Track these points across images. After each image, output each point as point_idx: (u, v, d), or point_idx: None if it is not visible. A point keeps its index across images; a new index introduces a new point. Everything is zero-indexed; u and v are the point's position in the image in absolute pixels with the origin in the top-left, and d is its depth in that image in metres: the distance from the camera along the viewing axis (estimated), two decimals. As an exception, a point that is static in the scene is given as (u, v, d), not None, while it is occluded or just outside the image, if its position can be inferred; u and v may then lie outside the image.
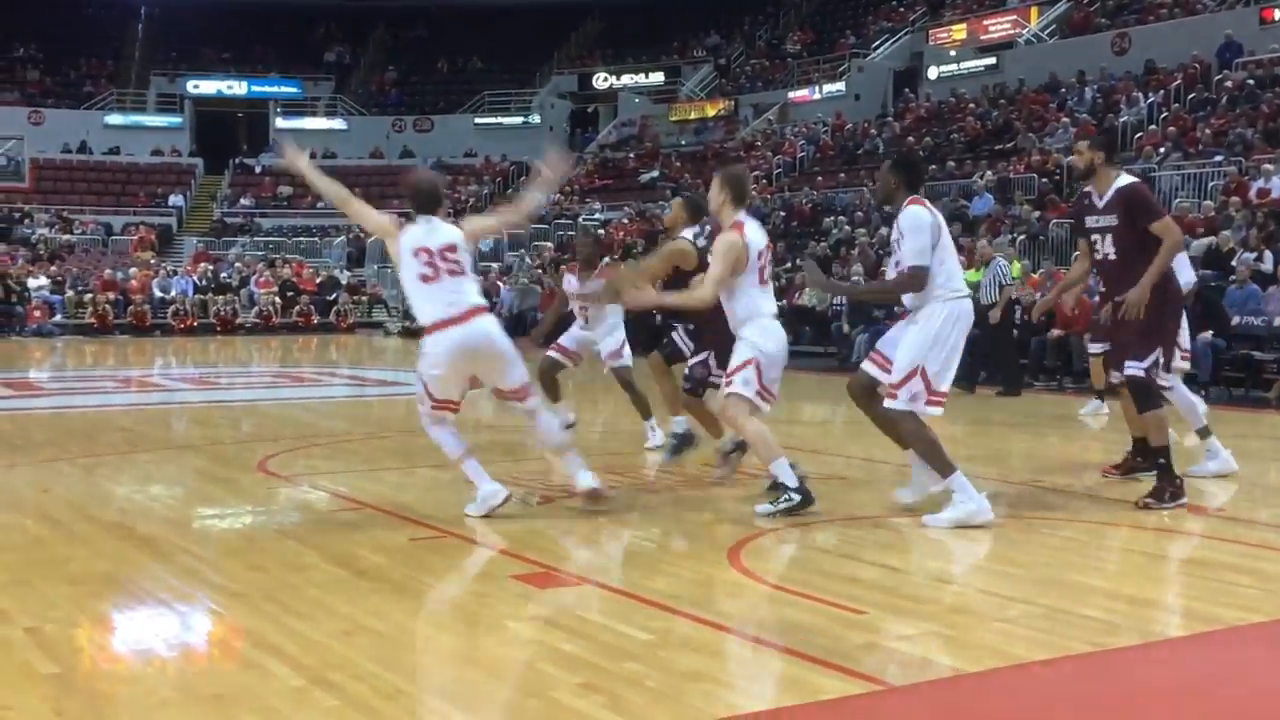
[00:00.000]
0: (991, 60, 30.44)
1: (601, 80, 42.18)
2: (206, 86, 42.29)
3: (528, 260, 29.36)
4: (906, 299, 6.25)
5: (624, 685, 3.75)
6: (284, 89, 43.06)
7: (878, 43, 35.46)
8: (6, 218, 33.71)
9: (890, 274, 6.48)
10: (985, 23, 32.06)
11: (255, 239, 35.20)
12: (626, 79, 41.86)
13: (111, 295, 26.87)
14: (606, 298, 7.27)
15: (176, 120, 41.50)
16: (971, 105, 28.35)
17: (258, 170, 40.45)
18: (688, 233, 7.77)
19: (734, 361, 6.46)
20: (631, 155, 36.93)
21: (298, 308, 28.02)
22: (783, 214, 26.54)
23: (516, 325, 24.40)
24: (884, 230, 21.99)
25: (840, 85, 34.23)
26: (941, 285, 6.14)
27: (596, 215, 32.04)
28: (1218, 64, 23.99)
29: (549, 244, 29.79)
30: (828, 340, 19.08)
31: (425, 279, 6.09)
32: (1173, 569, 5.54)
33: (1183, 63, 24.38)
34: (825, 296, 19.31)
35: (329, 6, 46.48)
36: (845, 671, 3.85)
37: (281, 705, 3.63)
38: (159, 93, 41.89)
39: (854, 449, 9.19)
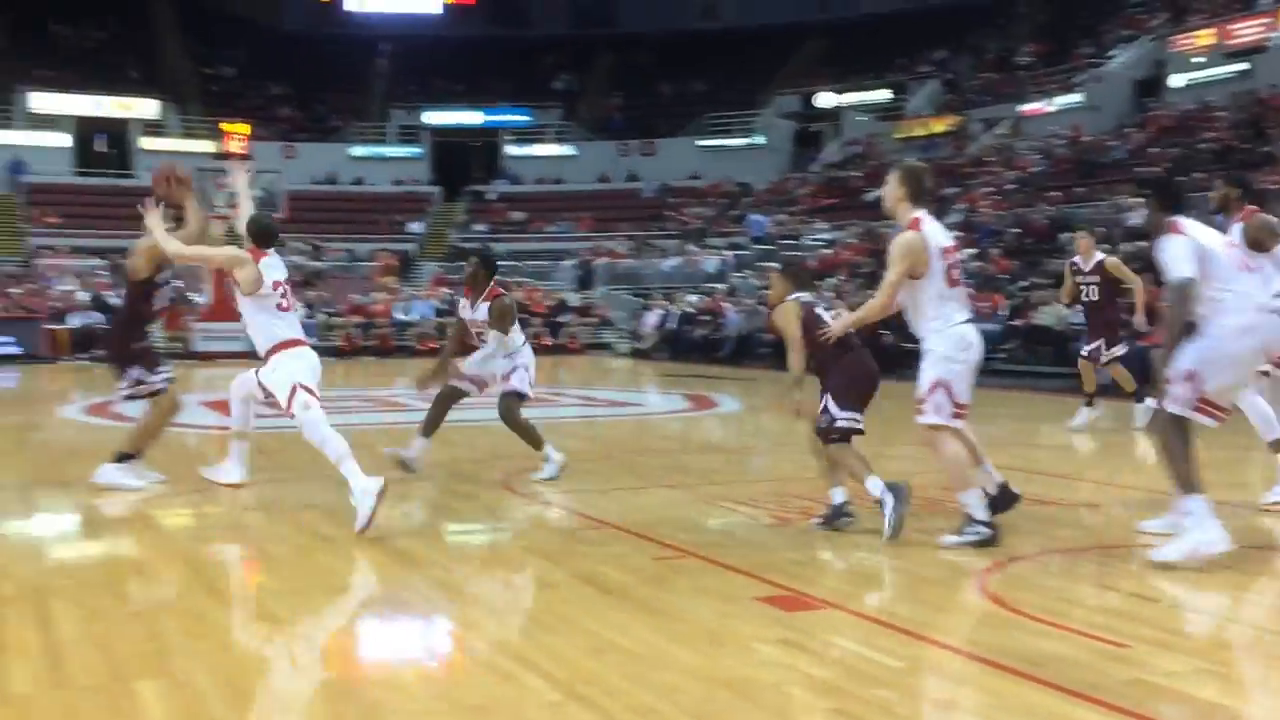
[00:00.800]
0: (1243, 65, 28.90)
1: (825, 99, 41.94)
2: (442, 117, 44.05)
3: (753, 282, 29.39)
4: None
5: (875, 712, 3.72)
6: (515, 117, 44.47)
7: (1116, 51, 34.13)
8: (266, 248, 35.76)
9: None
10: (1232, 26, 30.47)
11: (490, 263, 36.31)
12: (850, 97, 41.51)
13: (357, 319, 28.23)
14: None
15: (416, 151, 43.38)
16: (1221, 113, 26.96)
17: (491, 197, 41.85)
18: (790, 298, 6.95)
19: (921, 385, 6.10)
20: (857, 174, 36.58)
21: (530, 330, 28.76)
22: (1017, 230, 25.80)
23: (741, 346, 24.50)
24: (1125, 246, 21.10)
25: (1076, 96, 33.08)
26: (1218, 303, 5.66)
27: (822, 235, 31.84)
28: None
29: (775, 265, 29.72)
30: (1067, 361, 18.41)
31: (281, 308, 7.06)
32: None
33: None
34: (1064, 314, 18.68)
35: (556, 37, 47.81)
36: (1112, 708, 3.70)
37: (540, 718, 3.74)
38: (399, 125, 43.87)
39: (1097, 473, 8.86)
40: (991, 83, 38.21)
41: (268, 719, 3.94)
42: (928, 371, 6.07)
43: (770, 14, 45.21)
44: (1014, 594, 5.19)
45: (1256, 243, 6.82)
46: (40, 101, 38.82)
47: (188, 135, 39.94)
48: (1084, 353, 12.25)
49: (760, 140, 42.00)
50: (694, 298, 28.49)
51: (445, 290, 30.68)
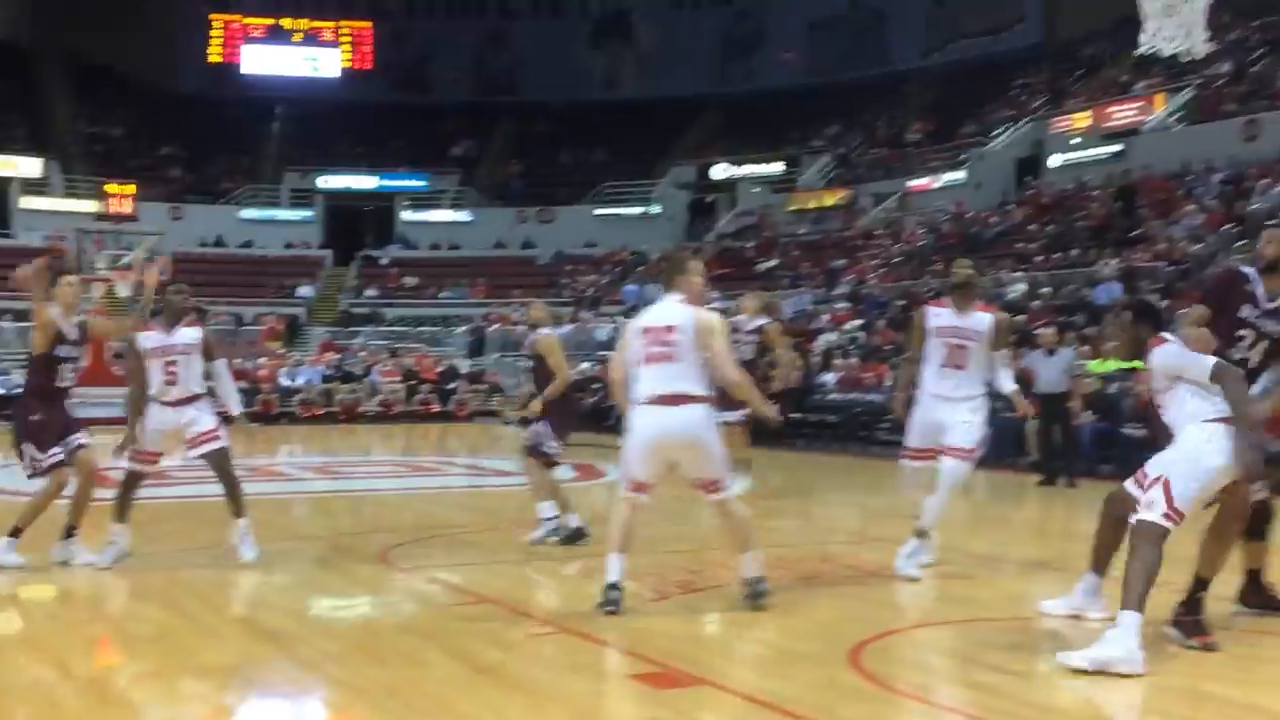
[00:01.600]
0: (1116, 147, 30.01)
1: (720, 171, 42.60)
2: (336, 181, 43.76)
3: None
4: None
5: (741, 794, 3.70)
6: (411, 182, 44.37)
7: (999, 131, 35.27)
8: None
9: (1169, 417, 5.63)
10: (1109, 110, 31.68)
11: (379, 329, 36.07)
12: (745, 169, 42.21)
13: (241, 384, 27.67)
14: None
15: (308, 214, 42.95)
16: (1096, 192, 27.95)
17: (383, 262, 41.59)
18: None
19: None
20: (750, 245, 37.11)
21: (419, 396, 28.54)
22: (903, 302, 26.31)
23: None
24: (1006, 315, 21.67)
25: (961, 174, 34.05)
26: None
27: (715, 304, 32.15)
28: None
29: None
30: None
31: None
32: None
33: (1318, 148, 23.80)
34: None
35: (457, 104, 47.93)
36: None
37: (399, 805, 3.65)
38: (292, 188, 43.45)
39: (976, 545, 8.99)
40: (880, 158, 39.21)
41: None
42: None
43: (669, 87, 45.93)
44: (885, 669, 5.23)
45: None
46: (-82, 159, 37.80)
47: (70, 195, 39.14)
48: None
49: (656, 209, 42.45)
50: (586, 365, 28.52)
51: (333, 355, 30.31)
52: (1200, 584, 5.82)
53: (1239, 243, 22.05)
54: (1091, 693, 4.97)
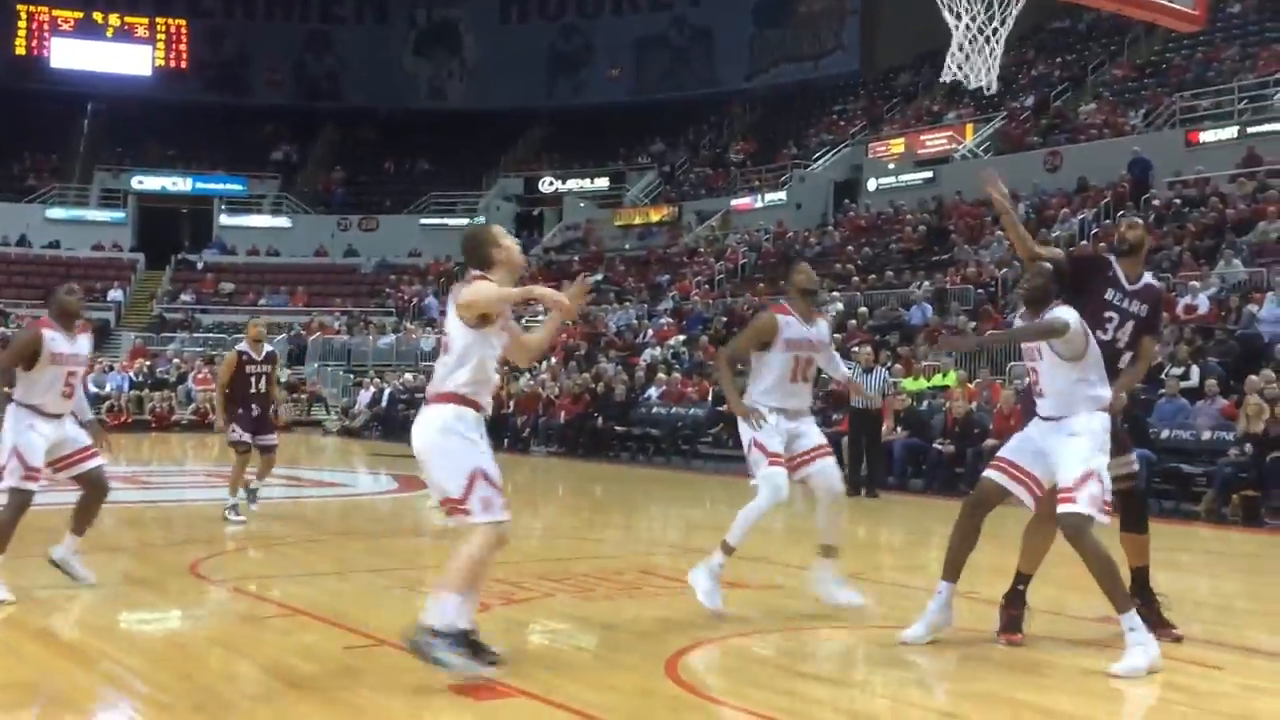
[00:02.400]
0: (929, 174, 31.20)
1: (547, 184, 42.70)
2: (151, 182, 42.26)
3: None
4: (1053, 408, 5.86)
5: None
6: (229, 186, 43.12)
7: (819, 154, 36.26)
8: (-60, 309, 33.27)
9: (1044, 383, 5.88)
10: (922, 137, 32.92)
11: (195, 335, 34.92)
12: (572, 183, 42.41)
13: (44, 390, 26.47)
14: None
15: (120, 215, 41.31)
16: (909, 216, 28.98)
17: (199, 267, 40.28)
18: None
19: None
20: (576, 258, 37.26)
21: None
22: (725, 319, 26.78)
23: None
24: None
25: (782, 194, 34.89)
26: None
27: (540, 317, 32.14)
28: (1131, 179, 24.70)
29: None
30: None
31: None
32: (1103, 684, 5.52)
33: (1112, 181, 25.13)
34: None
35: (277, 107, 46.81)
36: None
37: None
38: (103, 188, 41.76)
39: (792, 556, 9.17)
40: (704, 177, 39.85)
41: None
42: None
43: (496, 98, 45.81)
44: (702, 677, 5.30)
45: None
46: None
47: None
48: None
49: (482, 220, 42.23)
50: (409, 376, 28.16)
51: (144, 361, 29.21)
52: (1021, 579, 6.08)
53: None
54: (903, 697, 5.13)
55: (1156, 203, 23.58)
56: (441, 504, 5.18)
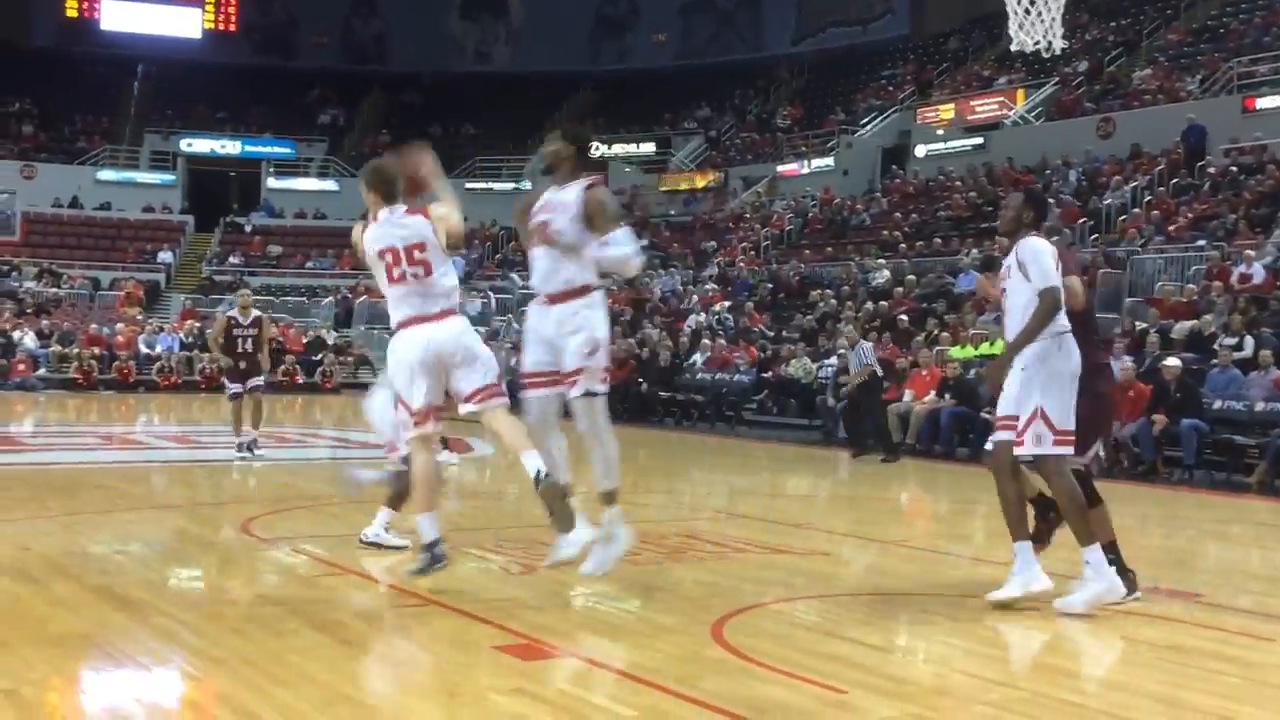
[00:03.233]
0: (978, 140, 30.83)
1: (593, 149, 42.61)
2: (200, 145, 42.59)
3: (515, 325, 29.42)
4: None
5: (605, 762, 3.73)
6: (277, 149, 43.38)
7: (867, 120, 35.94)
8: (-5, 270, 33.79)
9: (1008, 303, 6.12)
10: (972, 103, 32.52)
11: (243, 297, 35.23)
12: (618, 148, 42.30)
13: (97, 350, 26.83)
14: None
15: (169, 178, 41.70)
16: (958, 183, 28.67)
17: (248, 229, 40.60)
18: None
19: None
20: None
21: (284, 367, 27.97)
22: (770, 286, 26.71)
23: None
24: (869, 305, 22.16)
25: (829, 160, 34.62)
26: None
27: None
28: (1186, 146, 24.32)
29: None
30: (812, 414, 19.14)
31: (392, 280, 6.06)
32: (1153, 655, 5.51)
33: (1166, 148, 24.75)
34: (811, 368, 19.56)
35: (325, 70, 46.97)
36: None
37: (260, 775, 3.60)
38: (153, 150, 42.14)
39: (838, 523, 9.18)
40: (751, 142, 39.62)
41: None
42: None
43: (542, 62, 45.72)
44: (747, 641, 5.32)
45: None
46: None
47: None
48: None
49: (528, 185, 42.20)
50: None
51: (195, 323, 29.53)
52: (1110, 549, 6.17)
53: (1093, 235, 22.88)
54: (945, 665, 5.14)
55: (1212, 170, 23.22)
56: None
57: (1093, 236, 22.83)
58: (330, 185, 42.57)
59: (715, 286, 27.88)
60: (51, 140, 41.56)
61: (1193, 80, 27.64)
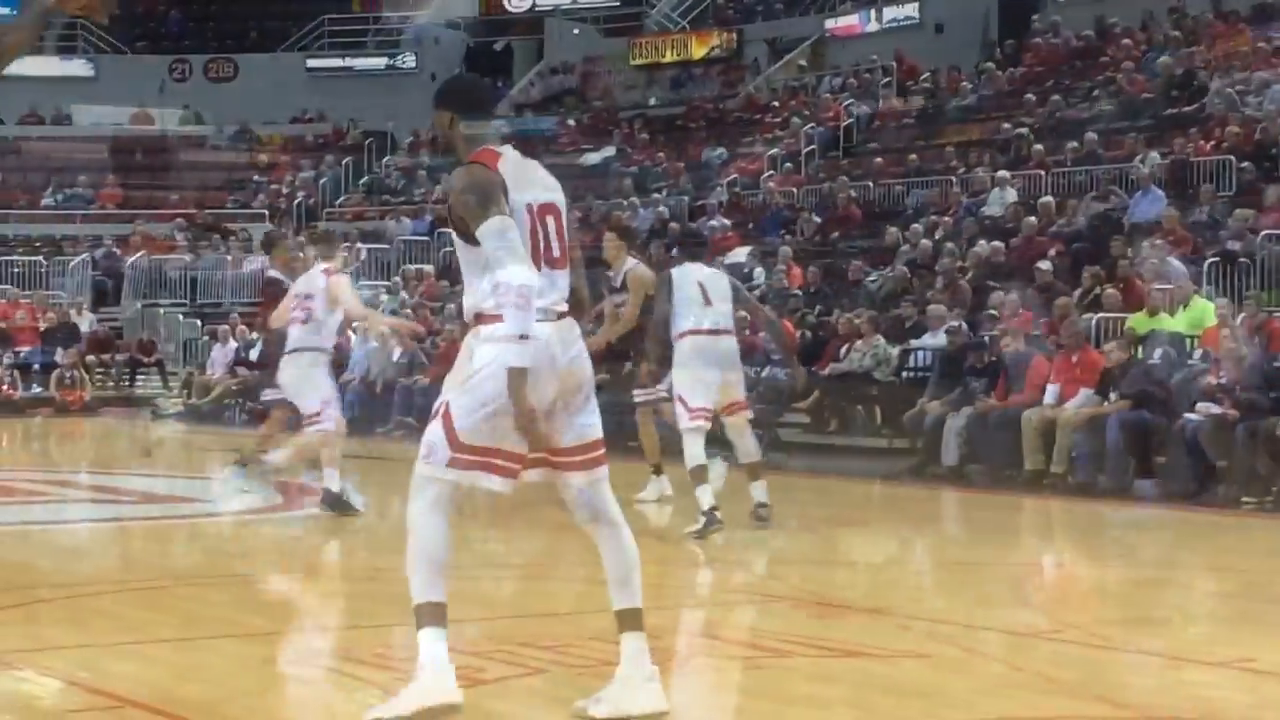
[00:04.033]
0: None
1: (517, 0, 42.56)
2: None
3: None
4: None
5: None
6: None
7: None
8: None
9: None
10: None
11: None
12: (559, -2, 42.39)
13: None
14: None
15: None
16: (1127, 44, 28.62)
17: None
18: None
19: None
20: (569, 121, 37.14)
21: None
22: (817, 220, 26.44)
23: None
24: (982, 245, 22.02)
25: (912, 8, 34.64)
26: None
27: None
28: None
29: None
30: (896, 428, 19.17)
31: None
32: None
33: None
34: None
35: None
36: None
37: None
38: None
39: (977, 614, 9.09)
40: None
41: None
42: None
43: None
44: None
45: None
46: None
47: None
48: None
49: (409, 62, 42.26)
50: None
51: None
52: None
53: None
54: None
55: None
56: None
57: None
58: (79, 68, 42.76)
59: (724, 221, 27.75)
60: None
61: None
